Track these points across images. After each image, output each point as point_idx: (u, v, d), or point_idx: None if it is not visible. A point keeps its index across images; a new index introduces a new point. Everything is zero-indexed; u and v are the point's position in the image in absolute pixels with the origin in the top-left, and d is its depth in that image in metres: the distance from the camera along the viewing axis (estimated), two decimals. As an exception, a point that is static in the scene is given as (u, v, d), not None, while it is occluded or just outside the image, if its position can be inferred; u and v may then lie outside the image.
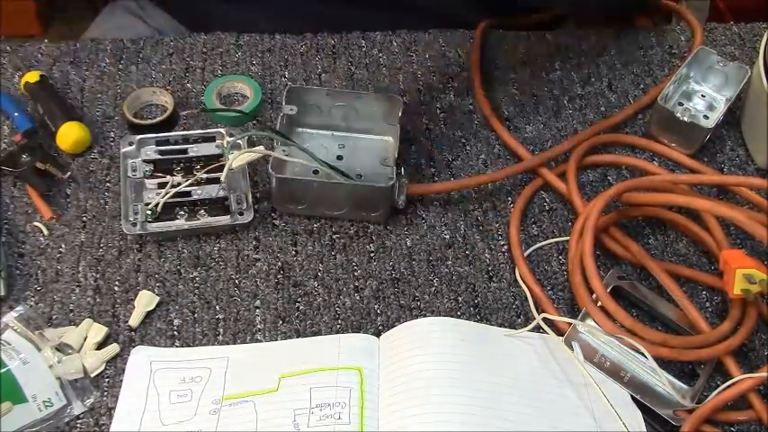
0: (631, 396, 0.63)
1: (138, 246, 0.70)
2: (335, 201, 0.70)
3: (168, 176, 0.71)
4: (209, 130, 0.75)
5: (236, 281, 0.69)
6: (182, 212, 0.70)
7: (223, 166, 0.68)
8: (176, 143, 0.74)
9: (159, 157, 0.73)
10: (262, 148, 0.69)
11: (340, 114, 0.75)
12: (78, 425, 0.61)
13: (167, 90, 0.80)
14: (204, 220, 0.70)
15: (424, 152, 0.78)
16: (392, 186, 0.69)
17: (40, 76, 0.78)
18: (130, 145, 0.73)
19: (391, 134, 0.74)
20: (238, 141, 0.72)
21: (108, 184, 0.74)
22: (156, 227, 0.69)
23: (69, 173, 0.73)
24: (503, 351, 0.64)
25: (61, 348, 0.63)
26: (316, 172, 0.72)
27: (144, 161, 0.72)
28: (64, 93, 0.80)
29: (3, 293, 0.66)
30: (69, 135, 0.74)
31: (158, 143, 0.73)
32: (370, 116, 0.75)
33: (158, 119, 0.77)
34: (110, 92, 0.81)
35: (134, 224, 0.69)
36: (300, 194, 0.70)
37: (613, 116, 0.80)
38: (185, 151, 0.73)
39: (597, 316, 0.64)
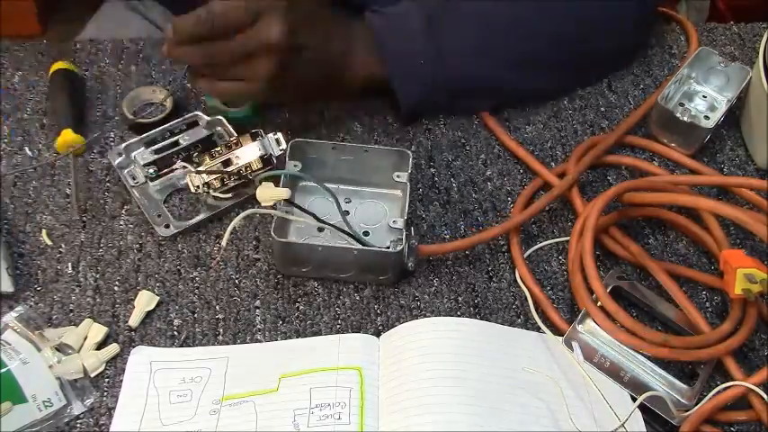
0: (631, 396, 0.63)
1: (138, 246, 0.70)
2: (342, 265, 0.67)
3: (174, 170, 0.72)
4: (187, 116, 0.76)
5: (236, 281, 0.69)
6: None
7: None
8: (164, 138, 0.74)
9: (157, 156, 0.73)
10: (288, 191, 0.65)
11: (346, 167, 0.71)
12: (78, 425, 0.61)
13: (167, 89, 0.80)
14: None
15: (423, 152, 0.78)
16: (401, 251, 0.65)
17: (65, 70, 0.79)
18: (120, 156, 0.73)
19: (400, 188, 0.71)
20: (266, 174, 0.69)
21: (108, 184, 0.74)
22: (185, 223, 0.70)
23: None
24: (503, 351, 0.64)
25: (61, 348, 0.63)
26: (321, 230, 0.69)
27: (144, 165, 0.72)
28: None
29: (11, 290, 0.66)
30: (62, 138, 0.74)
31: (147, 144, 0.74)
32: (377, 170, 0.72)
33: (158, 117, 0.77)
34: (110, 92, 0.80)
35: (167, 225, 0.70)
36: (305, 258, 0.67)
37: (623, 123, 0.79)
38: (177, 143, 0.74)
39: (597, 316, 0.64)
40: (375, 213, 0.71)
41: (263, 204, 0.65)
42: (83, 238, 0.70)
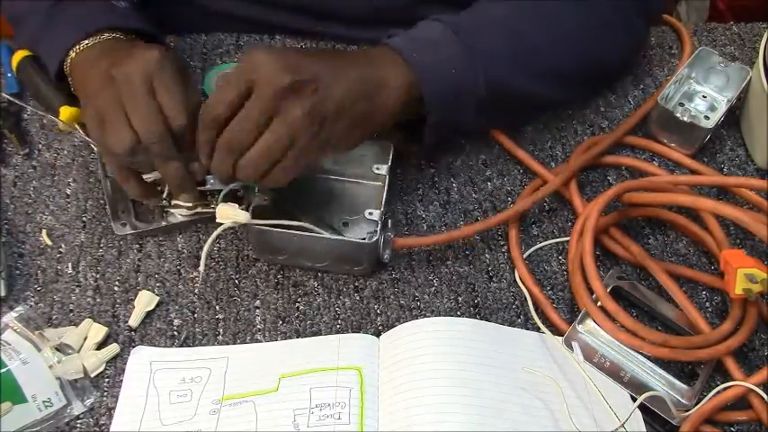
0: (631, 396, 0.63)
1: (138, 246, 0.70)
2: (317, 254, 0.67)
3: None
4: None
5: (236, 281, 0.69)
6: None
7: None
8: None
9: None
10: (247, 215, 0.63)
11: (329, 158, 0.72)
12: (78, 425, 0.61)
13: None
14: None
15: (423, 152, 0.78)
16: (375, 243, 0.65)
17: (29, 56, 0.77)
18: None
19: (381, 180, 0.70)
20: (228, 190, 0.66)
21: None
22: (143, 225, 0.69)
23: (27, 150, 0.75)
24: (503, 351, 0.64)
25: (61, 348, 0.63)
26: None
27: None
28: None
29: (3, 294, 0.66)
30: (63, 114, 0.73)
31: None
32: (359, 161, 0.72)
33: None
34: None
35: (124, 224, 0.69)
36: (280, 246, 0.67)
37: (623, 123, 0.79)
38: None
39: (597, 316, 0.64)
40: (355, 205, 0.71)
41: (218, 220, 0.63)
42: (83, 238, 0.71)
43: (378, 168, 0.71)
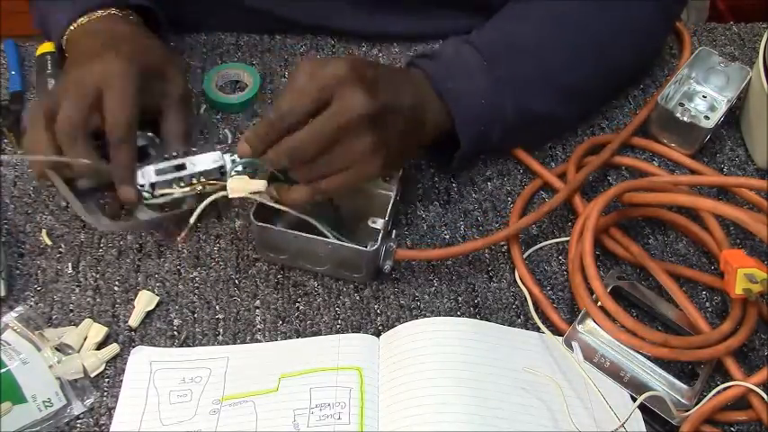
0: (631, 396, 0.63)
1: (138, 246, 0.70)
2: (317, 257, 0.67)
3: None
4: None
5: (236, 281, 0.69)
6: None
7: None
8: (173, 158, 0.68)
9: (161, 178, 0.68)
10: (264, 183, 0.63)
11: None
12: (78, 425, 0.61)
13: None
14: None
15: (423, 152, 0.78)
16: (375, 251, 0.65)
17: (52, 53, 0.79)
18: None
19: (392, 189, 0.70)
20: (238, 168, 0.66)
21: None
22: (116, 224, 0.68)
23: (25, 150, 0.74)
24: (503, 351, 0.64)
25: (61, 348, 0.63)
26: (294, 220, 0.66)
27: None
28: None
29: (3, 294, 0.66)
30: None
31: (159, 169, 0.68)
32: None
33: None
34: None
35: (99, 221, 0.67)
36: (282, 246, 0.67)
37: (629, 125, 0.79)
38: (183, 166, 0.67)
39: (597, 316, 0.64)
40: (366, 212, 0.71)
41: (230, 196, 0.63)
42: (83, 238, 0.70)
43: (388, 179, 0.71)
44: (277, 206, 0.65)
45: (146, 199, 0.67)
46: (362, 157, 0.62)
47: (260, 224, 0.65)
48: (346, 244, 0.65)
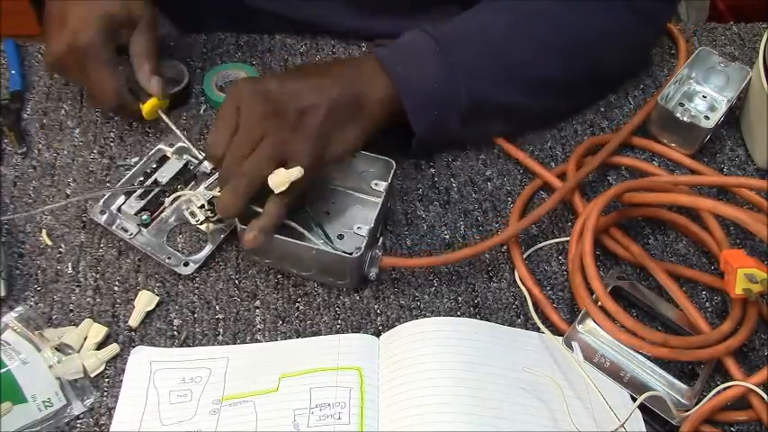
0: (631, 396, 0.63)
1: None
2: (302, 262, 0.66)
3: (165, 210, 0.71)
4: (152, 152, 0.74)
5: (236, 281, 0.69)
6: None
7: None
8: (141, 183, 0.72)
9: (144, 201, 0.71)
10: (300, 169, 0.63)
11: (336, 168, 0.70)
12: (78, 425, 0.61)
13: (181, 62, 0.81)
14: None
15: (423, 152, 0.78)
16: (359, 258, 0.64)
17: None
18: (103, 213, 0.70)
19: (379, 196, 0.70)
20: None
21: (108, 184, 0.74)
22: (201, 255, 0.69)
23: (25, 149, 0.75)
24: (502, 351, 0.64)
25: (61, 348, 0.63)
26: (283, 226, 0.66)
27: (135, 214, 0.70)
28: (62, 93, 0.80)
29: (3, 294, 0.66)
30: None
31: (128, 194, 0.71)
32: (362, 176, 0.71)
33: (174, 90, 0.78)
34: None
35: (186, 264, 0.68)
36: (267, 249, 0.66)
37: (626, 126, 0.79)
38: (156, 182, 0.72)
39: (597, 316, 0.64)
40: (354, 218, 0.71)
41: (276, 192, 0.63)
42: (83, 238, 0.70)
43: (376, 185, 0.71)
44: (259, 209, 0.65)
45: (211, 217, 0.69)
46: (286, 145, 0.63)
47: (244, 227, 0.65)
48: (330, 250, 0.65)
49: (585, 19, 0.75)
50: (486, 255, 0.71)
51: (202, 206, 0.69)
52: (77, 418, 0.61)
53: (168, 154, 0.74)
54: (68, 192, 0.73)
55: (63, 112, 0.79)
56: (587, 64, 0.77)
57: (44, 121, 0.78)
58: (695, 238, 0.72)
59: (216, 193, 0.68)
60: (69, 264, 0.69)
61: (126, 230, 0.70)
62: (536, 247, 0.72)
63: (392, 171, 0.69)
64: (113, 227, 0.70)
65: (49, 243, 0.70)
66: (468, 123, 0.73)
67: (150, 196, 0.71)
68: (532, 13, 0.74)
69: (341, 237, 0.69)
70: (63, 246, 0.70)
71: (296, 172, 0.63)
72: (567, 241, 0.71)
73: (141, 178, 0.72)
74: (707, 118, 0.78)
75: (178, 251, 0.69)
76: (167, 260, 0.68)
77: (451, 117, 0.72)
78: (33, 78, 0.81)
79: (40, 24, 0.82)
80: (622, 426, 0.58)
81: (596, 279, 0.65)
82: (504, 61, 0.73)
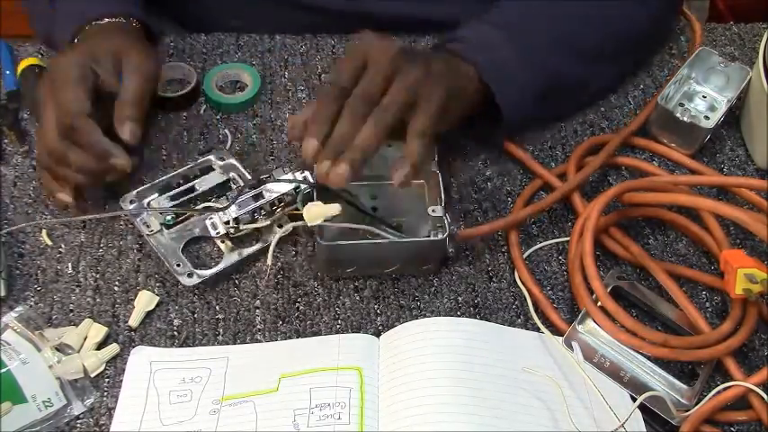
0: (631, 396, 0.63)
1: (138, 246, 0.70)
2: (387, 260, 0.67)
3: (190, 218, 0.70)
4: (200, 161, 0.73)
5: (236, 281, 0.69)
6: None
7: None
8: (179, 184, 0.72)
9: (173, 203, 0.70)
10: (338, 207, 0.63)
11: (370, 164, 0.67)
12: (78, 425, 0.61)
13: (191, 65, 0.81)
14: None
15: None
16: (444, 239, 0.66)
17: (35, 65, 0.80)
18: (132, 203, 0.70)
19: (423, 177, 0.70)
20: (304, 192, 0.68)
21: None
22: (209, 271, 0.68)
23: (26, 148, 0.75)
24: (502, 351, 0.64)
25: (61, 348, 0.63)
26: (354, 231, 0.66)
27: (161, 213, 0.70)
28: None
29: (3, 294, 0.66)
30: None
31: (161, 191, 0.71)
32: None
33: (181, 92, 0.78)
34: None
35: (190, 275, 0.67)
36: (350, 258, 0.67)
37: (629, 125, 0.79)
38: (192, 188, 0.72)
39: (597, 316, 0.64)
40: (402, 206, 0.71)
41: (309, 225, 0.63)
42: (83, 238, 0.70)
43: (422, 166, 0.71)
44: (338, 225, 0.65)
45: (232, 234, 0.68)
46: (420, 83, 0.63)
47: (328, 243, 0.65)
48: (418, 239, 0.67)
49: None
50: (487, 255, 0.71)
51: (227, 222, 0.67)
52: (77, 418, 0.61)
53: (214, 166, 0.73)
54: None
55: (63, 112, 0.79)
56: (627, 32, 0.80)
57: (44, 121, 0.78)
58: (695, 238, 0.72)
59: (242, 212, 0.67)
60: (69, 264, 0.69)
61: (148, 226, 0.69)
62: (536, 247, 0.72)
63: (435, 149, 0.70)
64: (138, 219, 0.69)
65: (49, 243, 0.70)
66: (545, 102, 0.75)
67: (180, 200, 0.70)
68: None
69: (399, 227, 0.69)
70: (63, 246, 0.70)
71: (333, 209, 0.63)
72: (567, 241, 0.71)
73: (180, 181, 0.72)
74: (707, 118, 0.78)
75: (190, 261, 0.68)
76: (175, 266, 0.67)
77: (529, 97, 0.74)
78: (33, 78, 0.81)
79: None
80: (622, 426, 0.58)
81: (596, 279, 0.65)
82: (560, 37, 0.76)
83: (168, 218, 0.70)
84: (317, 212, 0.63)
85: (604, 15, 0.78)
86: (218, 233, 0.68)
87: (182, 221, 0.70)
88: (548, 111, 0.79)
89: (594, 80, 0.80)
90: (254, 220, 0.67)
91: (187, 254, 0.69)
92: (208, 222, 0.68)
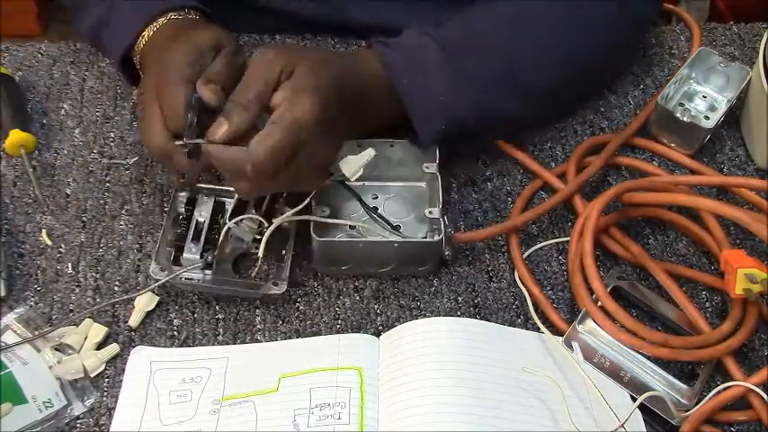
0: (631, 396, 0.63)
1: (138, 246, 0.70)
2: (382, 259, 0.67)
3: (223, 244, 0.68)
4: (174, 200, 0.70)
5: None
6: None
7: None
8: (185, 227, 0.69)
9: (200, 243, 0.68)
10: (371, 150, 0.64)
11: (371, 163, 0.67)
12: (78, 425, 0.61)
13: None
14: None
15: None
16: (440, 241, 0.66)
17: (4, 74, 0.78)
18: (163, 270, 0.66)
19: (425, 180, 0.71)
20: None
21: (108, 184, 0.74)
22: (284, 268, 0.67)
23: None
24: (502, 351, 0.64)
25: (61, 349, 0.63)
26: (352, 227, 0.68)
27: (200, 257, 0.67)
28: (62, 93, 0.80)
29: (3, 294, 0.66)
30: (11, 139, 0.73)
31: (177, 243, 0.68)
32: (403, 163, 0.72)
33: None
34: (110, 92, 0.80)
35: (276, 283, 0.66)
36: (345, 256, 0.67)
37: (629, 125, 0.79)
38: (198, 223, 0.69)
39: (597, 316, 0.64)
40: (404, 207, 0.71)
41: (352, 179, 0.64)
42: (83, 238, 0.70)
43: (427, 167, 0.71)
44: (331, 221, 0.66)
45: (258, 237, 0.67)
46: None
47: (323, 240, 0.65)
48: (413, 239, 0.67)
49: (583, 22, 0.75)
50: (487, 255, 0.71)
51: (259, 225, 0.66)
52: (77, 418, 0.61)
53: (194, 196, 0.71)
54: (68, 192, 0.73)
55: (63, 112, 0.79)
56: (582, 68, 0.76)
57: (44, 120, 0.78)
58: (695, 238, 0.72)
59: (258, 217, 0.66)
60: (69, 264, 0.69)
61: (191, 279, 0.66)
62: (536, 247, 0.72)
63: (436, 150, 0.70)
64: (178, 279, 0.65)
65: (49, 243, 0.70)
66: (473, 133, 0.72)
67: (204, 236, 0.68)
68: (532, 16, 0.74)
69: (398, 228, 0.69)
70: (63, 246, 0.70)
71: (367, 154, 0.63)
72: (567, 241, 0.71)
73: (182, 224, 0.69)
74: (707, 118, 0.78)
75: (250, 277, 0.67)
76: (251, 291, 0.66)
77: (456, 127, 0.71)
78: (33, 78, 0.81)
79: (40, 24, 0.82)
80: (622, 426, 0.58)
81: (596, 279, 0.65)
82: (507, 71, 0.72)
83: (209, 259, 0.66)
84: (354, 165, 0.63)
85: (561, 45, 0.74)
86: (248, 242, 0.67)
87: (217, 255, 0.67)
88: (474, 143, 0.75)
89: (534, 118, 0.77)
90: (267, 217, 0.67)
91: (243, 274, 0.68)
92: (240, 230, 0.66)
